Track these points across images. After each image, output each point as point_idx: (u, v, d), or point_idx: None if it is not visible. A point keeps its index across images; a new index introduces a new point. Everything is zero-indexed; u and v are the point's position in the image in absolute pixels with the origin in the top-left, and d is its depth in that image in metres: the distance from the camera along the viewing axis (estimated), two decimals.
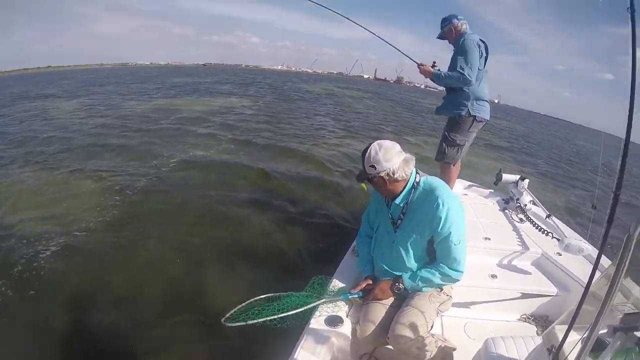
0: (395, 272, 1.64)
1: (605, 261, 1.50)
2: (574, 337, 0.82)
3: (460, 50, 2.65)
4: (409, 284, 1.58)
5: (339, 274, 1.88)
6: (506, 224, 2.85)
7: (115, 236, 3.71)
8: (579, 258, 2.18)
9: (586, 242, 2.18)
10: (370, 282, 1.67)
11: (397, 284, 1.60)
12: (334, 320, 1.56)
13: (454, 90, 2.80)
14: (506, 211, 3.08)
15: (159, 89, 22.27)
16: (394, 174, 1.50)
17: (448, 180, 2.98)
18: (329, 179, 6.02)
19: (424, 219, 1.51)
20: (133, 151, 7.08)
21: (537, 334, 1.97)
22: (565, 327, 0.94)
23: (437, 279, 1.54)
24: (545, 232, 2.62)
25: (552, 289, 2.12)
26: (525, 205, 3.03)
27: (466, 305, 2.10)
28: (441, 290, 1.63)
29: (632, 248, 0.69)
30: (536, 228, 2.70)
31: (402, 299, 1.62)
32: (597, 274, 0.89)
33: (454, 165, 3.01)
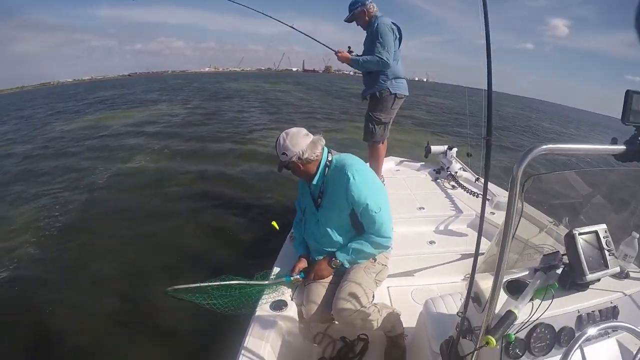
0: (326, 249, 1.70)
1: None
2: (489, 282, 0.85)
3: (375, 35, 2.68)
4: (343, 258, 1.63)
5: (279, 260, 1.91)
6: (439, 192, 2.98)
7: (57, 258, 3.59)
8: None
9: None
10: (304, 261, 1.74)
11: (332, 259, 1.65)
12: (278, 305, 1.59)
13: (373, 72, 2.83)
14: (438, 181, 3.22)
15: (84, 105, 20.74)
16: (303, 155, 1.57)
17: (377, 158, 3.05)
18: (262, 172, 6.11)
19: (340, 194, 1.58)
20: (66, 171, 6.73)
21: None
22: (484, 274, 0.99)
23: (368, 248, 1.61)
24: (476, 194, 2.78)
25: None
26: (456, 172, 3.19)
27: (410, 273, 2.15)
28: (375, 261, 1.69)
29: (518, 187, 0.70)
30: (468, 192, 2.86)
31: (340, 275, 1.66)
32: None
33: (382, 144, 3.06)
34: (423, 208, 2.58)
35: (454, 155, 3.38)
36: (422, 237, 2.31)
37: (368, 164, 2.42)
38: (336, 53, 2.85)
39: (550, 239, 1.27)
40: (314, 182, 1.64)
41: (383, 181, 2.94)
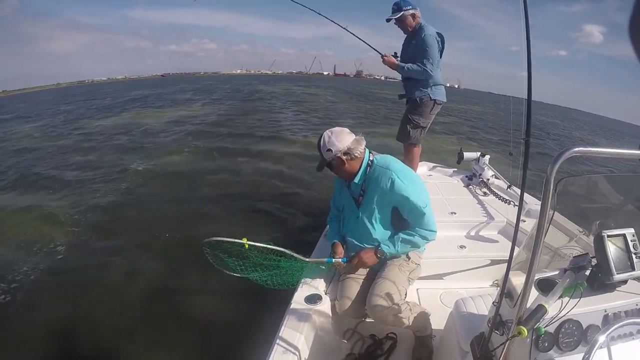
0: (364, 245, 1.73)
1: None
2: (522, 279, 0.90)
3: (422, 45, 2.76)
4: (387, 250, 1.68)
5: (314, 255, 1.95)
6: (471, 198, 2.99)
7: (90, 254, 3.68)
8: None
9: None
10: (341, 246, 1.80)
11: (378, 248, 1.69)
12: (313, 298, 1.65)
13: (414, 77, 2.91)
14: (470, 187, 3.23)
15: (118, 103, 21.57)
16: (350, 151, 1.61)
17: (412, 160, 3.14)
18: (293, 174, 6.19)
19: (382, 194, 1.64)
20: (99, 168, 6.97)
21: None
22: (517, 272, 1.03)
23: (417, 239, 1.66)
24: (508, 201, 2.78)
25: None
26: (488, 179, 3.19)
27: (439, 277, 2.20)
28: (409, 259, 1.73)
29: (551, 189, 0.75)
30: (499, 199, 2.86)
31: (374, 272, 1.72)
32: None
33: (417, 147, 3.14)
34: (455, 213, 2.60)
35: (487, 162, 3.39)
36: (452, 241, 2.33)
37: None
38: (382, 56, 2.94)
39: (578, 248, 1.29)
40: (356, 180, 1.68)
41: None
